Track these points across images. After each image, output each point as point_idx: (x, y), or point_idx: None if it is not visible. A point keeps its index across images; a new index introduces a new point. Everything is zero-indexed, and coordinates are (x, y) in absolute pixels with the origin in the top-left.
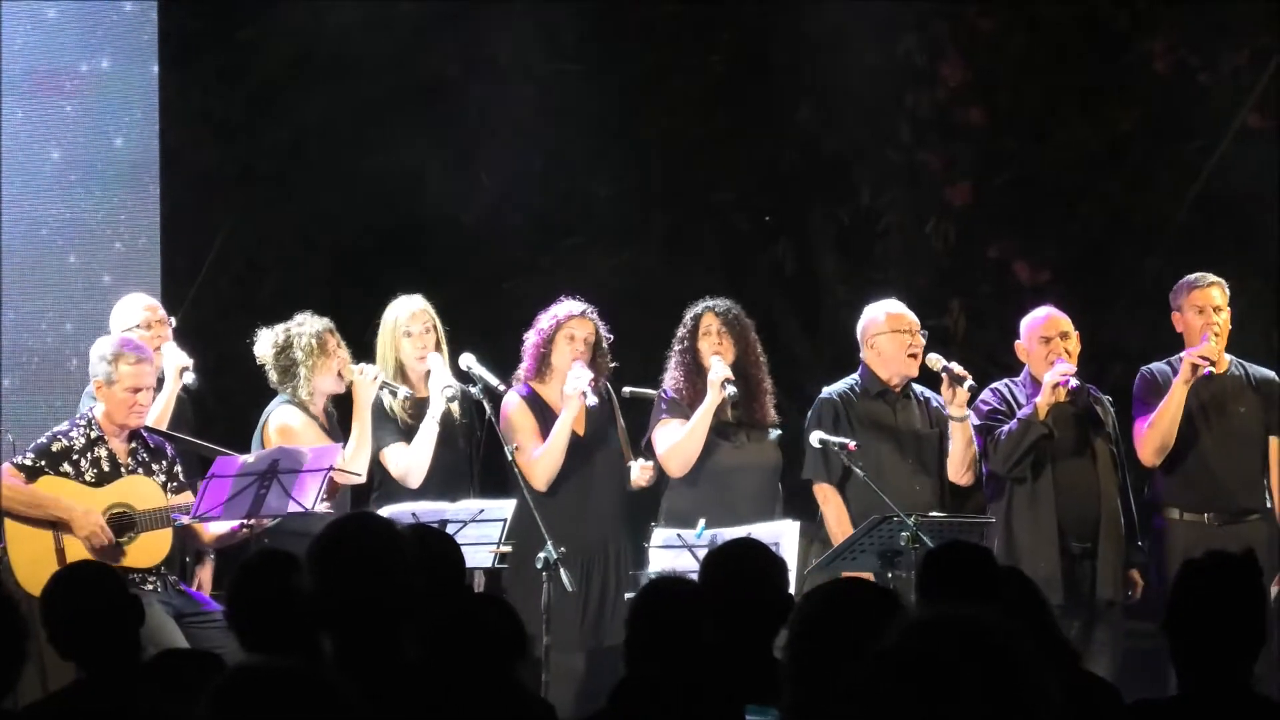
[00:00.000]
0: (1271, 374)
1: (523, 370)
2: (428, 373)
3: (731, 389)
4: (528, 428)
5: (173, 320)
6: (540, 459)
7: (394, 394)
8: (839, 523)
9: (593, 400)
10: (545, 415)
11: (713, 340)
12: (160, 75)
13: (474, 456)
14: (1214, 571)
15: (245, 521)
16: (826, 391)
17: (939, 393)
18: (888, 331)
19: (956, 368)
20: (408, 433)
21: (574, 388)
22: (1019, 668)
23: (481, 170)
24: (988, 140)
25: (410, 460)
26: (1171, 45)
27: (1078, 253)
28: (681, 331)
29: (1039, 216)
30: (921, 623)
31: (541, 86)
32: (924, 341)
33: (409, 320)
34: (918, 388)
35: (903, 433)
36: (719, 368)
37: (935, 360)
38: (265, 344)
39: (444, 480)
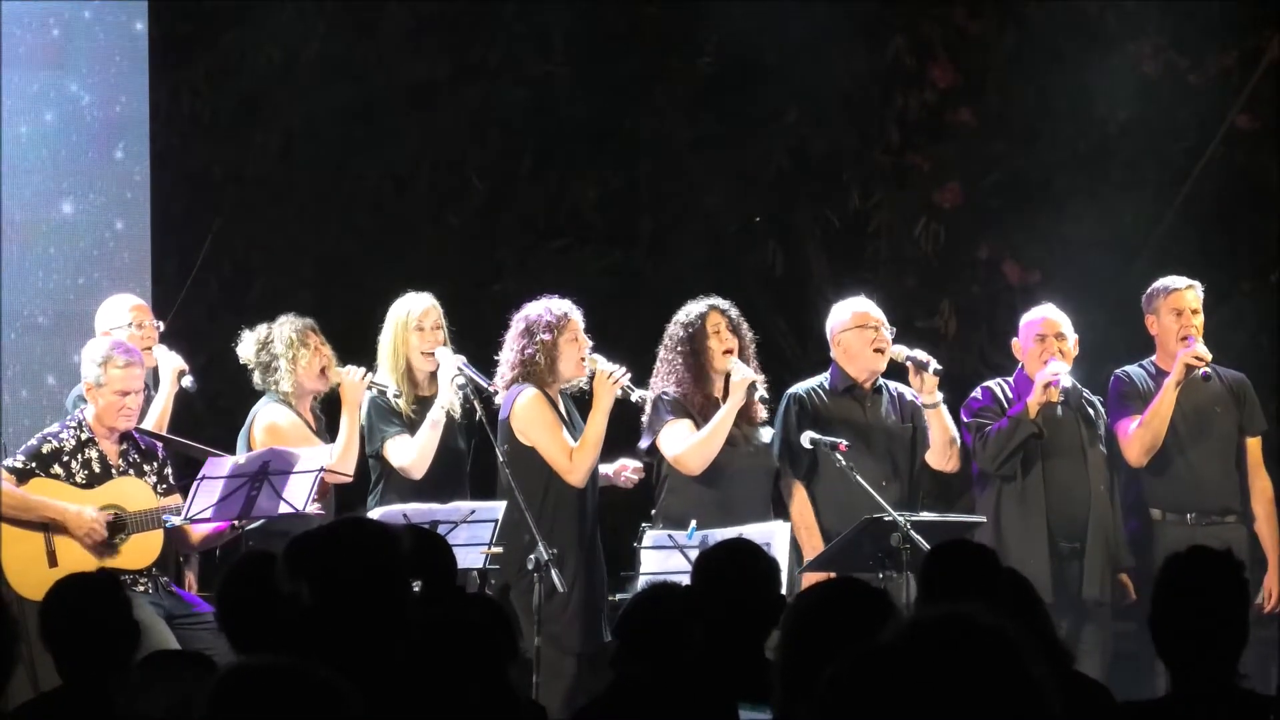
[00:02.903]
0: (1243, 376)
1: (513, 375)
2: (433, 371)
3: (762, 391)
4: (551, 421)
5: (160, 325)
6: (586, 455)
7: (383, 393)
8: (801, 519)
9: (638, 395)
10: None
11: (724, 338)
12: (150, 77)
13: (474, 457)
14: (1197, 566)
15: (234, 522)
16: (794, 389)
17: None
18: (853, 328)
19: (920, 355)
20: (411, 428)
21: (614, 380)
22: (1021, 667)
23: (470, 171)
24: (977, 141)
25: (416, 450)
26: (1159, 46)
27: (1067, 254)
28: (683, 333)
29: (1028, 217)
30: (926, 620)
31: (529, 88)
32: (890, 337)
33: (421, 316)
34: (891, 384)
35: (872, 430)
36: (743, 369)
37: (898, 352)
38: (248, 344)
39: (441, 478)
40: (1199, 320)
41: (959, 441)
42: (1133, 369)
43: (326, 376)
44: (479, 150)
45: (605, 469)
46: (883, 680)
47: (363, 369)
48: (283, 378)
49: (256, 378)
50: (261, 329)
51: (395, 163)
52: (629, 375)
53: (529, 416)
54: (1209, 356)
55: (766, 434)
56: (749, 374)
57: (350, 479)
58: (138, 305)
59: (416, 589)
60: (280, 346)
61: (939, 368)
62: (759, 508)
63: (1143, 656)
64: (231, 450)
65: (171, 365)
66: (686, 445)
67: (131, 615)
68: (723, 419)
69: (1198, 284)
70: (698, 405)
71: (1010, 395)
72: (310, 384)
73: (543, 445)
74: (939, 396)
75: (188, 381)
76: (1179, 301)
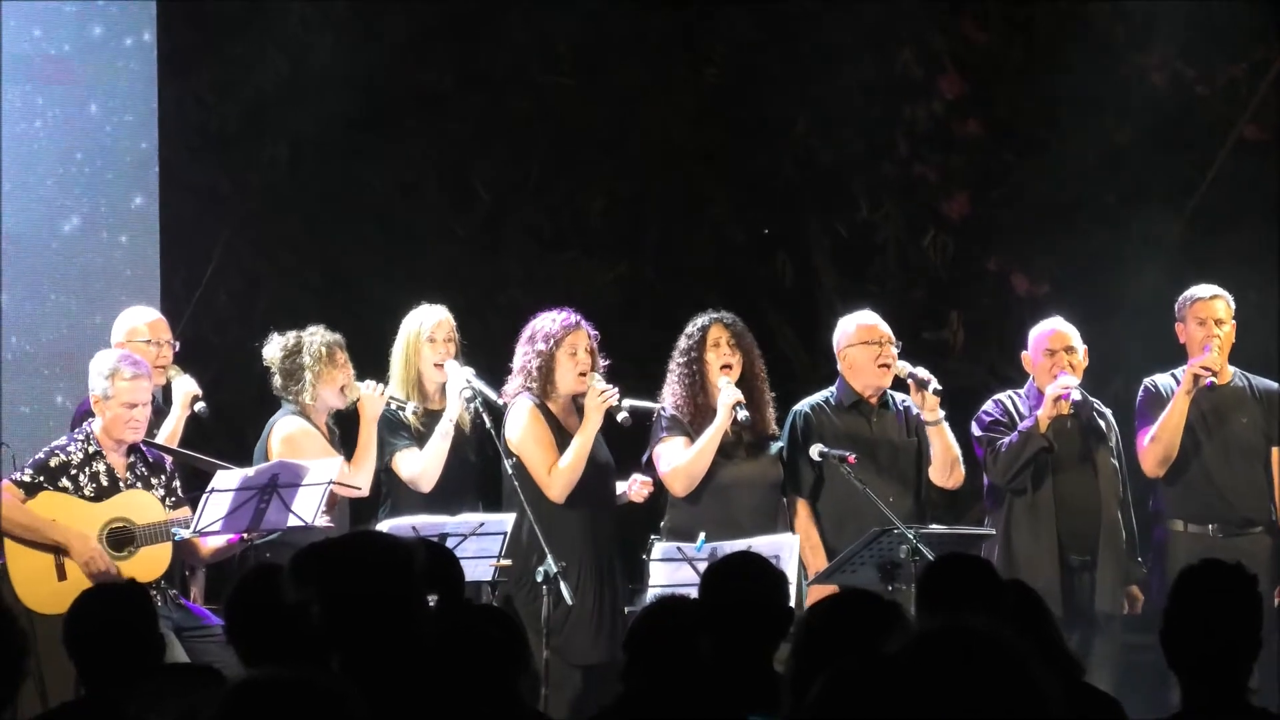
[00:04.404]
0: (1275, 385)
1: (518, 383)
2: (444, 383)
3: (744, 413)
4: (543, 436)
5: (175, 344)
6: (565, 471)
7: (401, 408)
8: (806, 537)
9: (624, 415)
10: (553, 427)
11: (722, 352)
12: (158, 88)
13: (483, 470)
14: (1209, 579)
15: (243, 535)
16: (799, 405)
17: None
18: (857, 343)
19: (921, 373)
20: (420, 440)
21: (604, 399)
22: (1025, 678)
23: (477, 181)
24: (985, 153)
25: (424, 462)
26: (1167, 57)
27: (1076, 265)
28: (685, 344)
29: (1036, 229)
30: (930, 633)
31: (536, 98)
32: (896, 352)
33: (434, 328)
34: (898, 396)
35: (878, 444)
36: (730, 391)
37: (902, 368)
38: (275, 347)
39: (450, 491)
40: (1225, 330)
41: (961, 458)
42: (1161, 378)
43: (345, 394)
44: (485, 160)
45: (621, 485)
46: (879, 690)
47: (381, 385)
48: (305, 390)
49: (276, 382)
50: (291, 336)
51: (402, 173)
52: (619, 395)
53: (519, 427)
54: (1216, 366)
55: (774, 448)
56: (734, 394)
57: (363, 492)
58: (156, 321)
59: (432, 603)
60: (308, 359)
61: (939, 387)
62: (765, 521)
63: (1157, 669)
64: (238, 462)
65: (185, 390)
66: (672, 465)
67: (158, 626)
68: (708, 441)
69: (1226, 294)
70: (691, 418)
71: (1022, 408)
72: (330, 400)
73: (528, 457)
74: (941, 414)
75: (200, 408)
76: (1204, 311)
